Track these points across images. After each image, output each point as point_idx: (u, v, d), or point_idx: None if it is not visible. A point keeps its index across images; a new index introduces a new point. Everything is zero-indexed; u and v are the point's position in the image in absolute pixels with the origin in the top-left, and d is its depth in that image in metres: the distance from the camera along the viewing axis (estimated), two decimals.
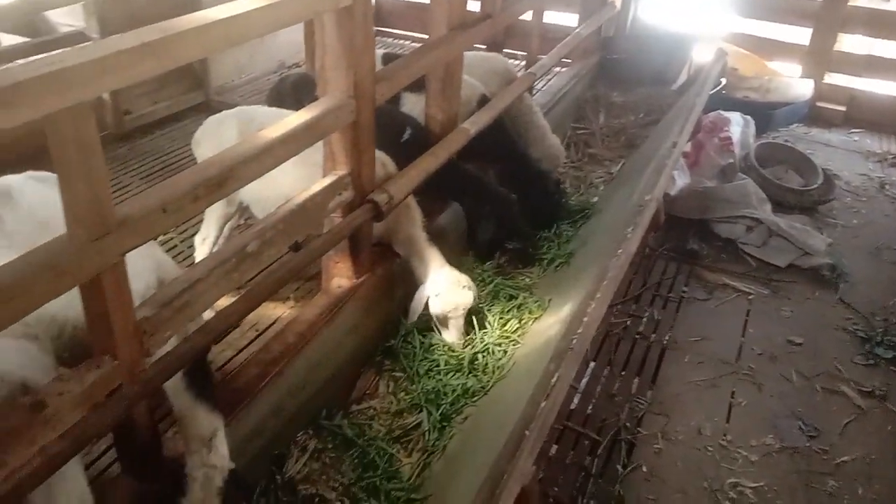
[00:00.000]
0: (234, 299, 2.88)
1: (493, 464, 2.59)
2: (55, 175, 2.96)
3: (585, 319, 3.20)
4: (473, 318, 3.99)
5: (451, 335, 3.89)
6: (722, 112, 6.48)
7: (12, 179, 2.93)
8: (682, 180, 5.67)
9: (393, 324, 4.01)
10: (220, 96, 6.69)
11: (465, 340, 3.91)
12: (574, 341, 3.06)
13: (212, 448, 2.58)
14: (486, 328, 4.00)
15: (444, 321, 3.85)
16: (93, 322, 2.25)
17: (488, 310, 4.12)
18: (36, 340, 2.49)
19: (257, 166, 2.68)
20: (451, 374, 3.70)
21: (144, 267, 2.58)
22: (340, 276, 3.70)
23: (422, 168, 3.81)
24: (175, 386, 2.61)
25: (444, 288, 3.76)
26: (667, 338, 4.45)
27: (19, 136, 3.28)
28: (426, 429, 3.41)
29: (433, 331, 3.95)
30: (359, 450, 3.29)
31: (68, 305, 2.40)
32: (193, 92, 6.48)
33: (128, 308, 2.27)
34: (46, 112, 1.82)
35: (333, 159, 3.39)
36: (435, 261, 3.83)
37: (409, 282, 3.95)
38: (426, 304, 3.84)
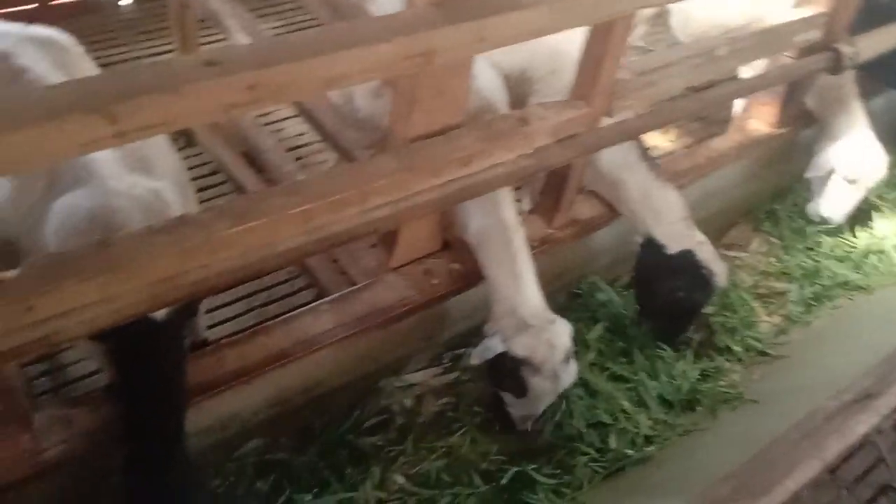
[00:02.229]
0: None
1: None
2: None
3: None
4: (873, 216, 3.65)
5: (834, 204, 3.45)
6: None
7: None
8: None
9: (783, 190, 3.79)
10: None
11: (859, 237, 3.60)
12: None
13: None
14: (884, 231, 3.64)
15: (856, 184, 3.41)
16: (585, 66, 2.37)
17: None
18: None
19: None
20: (834, 260, 3.46)
21: None
22: (760, 119, 3.50)
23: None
24: (634, 163, 2.70)
25: (871, 153, 3.36)
26: None
27: None
28: (793, 299, 3.27)
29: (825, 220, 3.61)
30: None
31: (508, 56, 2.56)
32: None
33: (616, 63, 2.36)
34: None
35: None
36: (862, 119, 3.41)
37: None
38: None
